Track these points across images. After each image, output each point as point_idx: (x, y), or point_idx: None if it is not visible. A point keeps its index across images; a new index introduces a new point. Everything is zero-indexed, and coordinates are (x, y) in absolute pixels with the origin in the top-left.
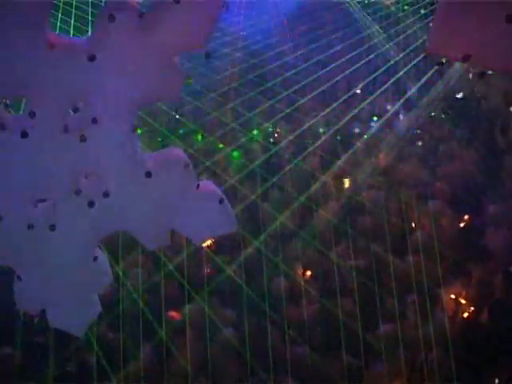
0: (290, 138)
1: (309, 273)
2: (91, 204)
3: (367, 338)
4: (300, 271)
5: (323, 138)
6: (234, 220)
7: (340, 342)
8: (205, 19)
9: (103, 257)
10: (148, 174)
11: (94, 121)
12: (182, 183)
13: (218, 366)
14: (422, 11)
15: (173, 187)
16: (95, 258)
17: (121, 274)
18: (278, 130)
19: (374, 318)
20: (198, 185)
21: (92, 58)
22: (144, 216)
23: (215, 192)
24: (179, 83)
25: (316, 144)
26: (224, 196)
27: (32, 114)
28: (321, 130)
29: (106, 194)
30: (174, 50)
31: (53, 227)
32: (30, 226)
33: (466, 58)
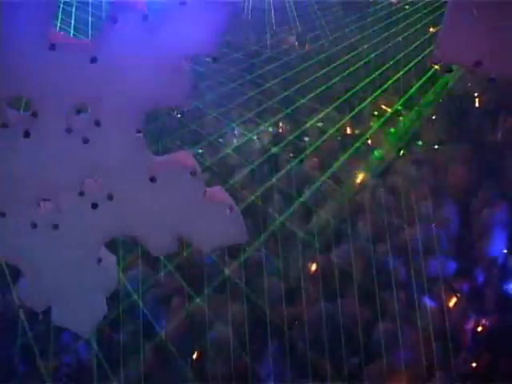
0: None
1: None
2: (94, 206)
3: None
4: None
5: None
6: (244, 230)
7: (340, 340)
8: (212, 22)
9: (109, 260)
10: (153, 179)
11: (97, 123)
12: (189, 189)
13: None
14: None
15: (179, 193)
16: (99, 261)
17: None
18: None
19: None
20: (205, 191)
21: (94, 60)
22: (150, 221)
23: (225, 200)
24: (186, 87)
25: None
26: (234, 204)
27: (35, 114)
28: None
29: (109, 197)
30: (180, 52)
31: (55, 226)
32: (34, 225)
33: (476, 65)
